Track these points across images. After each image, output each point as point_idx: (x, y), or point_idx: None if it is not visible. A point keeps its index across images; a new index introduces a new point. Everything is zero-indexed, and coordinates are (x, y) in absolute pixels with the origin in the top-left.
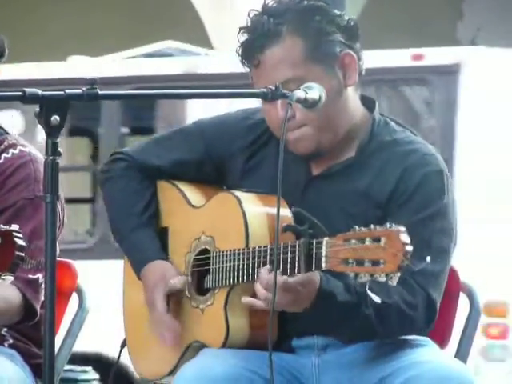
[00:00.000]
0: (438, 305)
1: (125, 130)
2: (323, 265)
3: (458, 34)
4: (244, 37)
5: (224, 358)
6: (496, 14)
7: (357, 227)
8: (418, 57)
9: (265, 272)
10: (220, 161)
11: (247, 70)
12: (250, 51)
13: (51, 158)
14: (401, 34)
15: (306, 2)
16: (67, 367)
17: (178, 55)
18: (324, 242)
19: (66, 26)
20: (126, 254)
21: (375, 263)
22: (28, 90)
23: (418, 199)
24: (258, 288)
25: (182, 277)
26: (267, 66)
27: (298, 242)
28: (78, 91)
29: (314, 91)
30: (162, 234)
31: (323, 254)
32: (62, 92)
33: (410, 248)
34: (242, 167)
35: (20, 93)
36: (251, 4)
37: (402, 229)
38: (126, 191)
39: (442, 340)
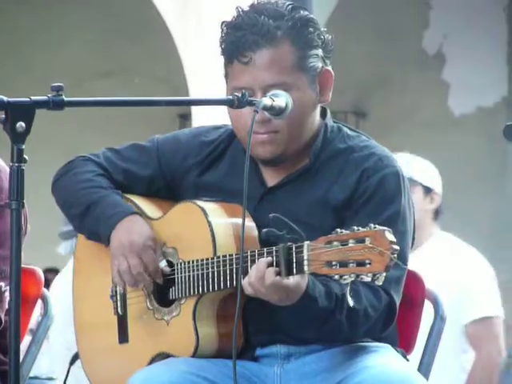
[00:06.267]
0: (397, 308)
1: None
2: (305, 268)
3: (424, 43)
4: (233, 31)
5: (175, 366)
6: (463, 22)
7: (339, 229)
8: None
9: (262, 265)
10: (172, 178)
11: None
12: (242, 47)
13: (17, 164)
14: (366, 42)
15: (301, 12)
16: (32, 374)
17: None
18: (305, 246)
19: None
20: (91, 222)
21: (360, 264)
22: None
23: (377, 201)
24: (251, 274)
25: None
26: (257, 66)
27: (276, 247)
28: (44, 98)
29: (281, 99)
30: None
31: (305, 257)
32: (27, 99)
33: (396, 246)
34: (195, 182)
35: None
36: (216, 14)
37: (387, 228)
38: (89, 171)
39: (406, 347)
